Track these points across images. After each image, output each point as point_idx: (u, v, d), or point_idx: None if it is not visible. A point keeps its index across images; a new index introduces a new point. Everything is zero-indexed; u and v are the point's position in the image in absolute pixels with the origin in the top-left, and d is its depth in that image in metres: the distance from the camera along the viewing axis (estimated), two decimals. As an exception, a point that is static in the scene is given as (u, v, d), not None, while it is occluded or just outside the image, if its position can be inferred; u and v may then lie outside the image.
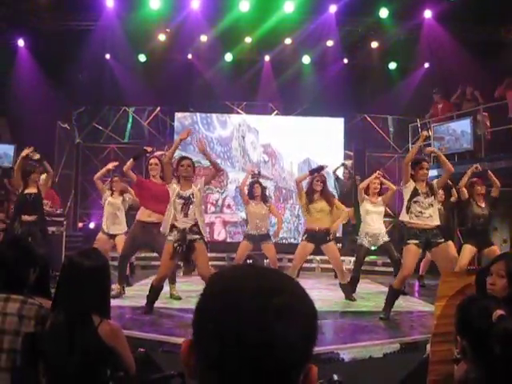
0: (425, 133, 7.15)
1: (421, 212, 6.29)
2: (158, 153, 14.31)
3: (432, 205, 6.35)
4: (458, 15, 11.79)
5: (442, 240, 6.32)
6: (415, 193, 6.35)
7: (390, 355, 4.89)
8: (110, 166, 8.60)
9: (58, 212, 9.80)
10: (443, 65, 13.12)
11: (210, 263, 11.45)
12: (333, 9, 12.51)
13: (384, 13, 12.33)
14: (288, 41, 13.75)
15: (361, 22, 13.27)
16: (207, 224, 13.94)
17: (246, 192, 8.95)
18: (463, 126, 11.49)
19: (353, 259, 11.26)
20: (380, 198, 8.48)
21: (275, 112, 15.08)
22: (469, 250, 7.76)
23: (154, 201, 7.31)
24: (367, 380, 4.63)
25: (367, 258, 9.03)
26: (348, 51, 14.04)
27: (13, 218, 8.37)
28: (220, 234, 14.04)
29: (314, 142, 14.08)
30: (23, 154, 8.20)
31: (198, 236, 6.20)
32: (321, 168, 7.99)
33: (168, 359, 4.36)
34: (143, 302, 6.51)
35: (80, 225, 14.22)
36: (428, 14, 12.45)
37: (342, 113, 14.33)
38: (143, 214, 7.50)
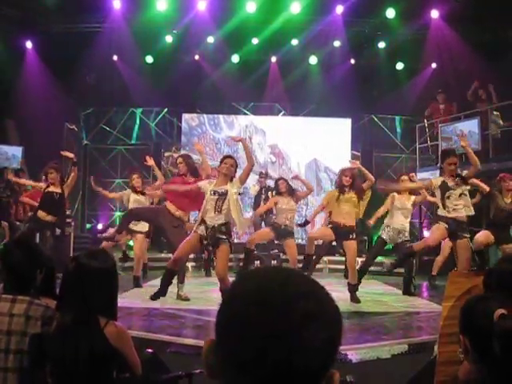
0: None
1: (456, 205, 6.41)
2: (168, 154, 14.40)
3: (464, 194, 6.43)
4: (465, 15, 11.75)
5: (468, 236, 6.44)
6: (445, 188, 6.44)
7: (398, 356, 4.87)
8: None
9: (66, 213, 9.83)
10: (451, 65, 13.08)
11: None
12: (339, 9, 12.50)
13: (391, 13, 12.30)
14: (295, 42, 13.74)
15: (368, 23, 13.25)
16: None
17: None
18: (471, 126, 11.43)
19: (361, 260, 11.27)
20: (412, 198, 8.50)
21: (282, 113, 15.08)
22: (486, 235, 7.66)
23: (181, 197, 7.36)
24: (375, 381, 4.62)
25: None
26: (355, 52, 14.02)
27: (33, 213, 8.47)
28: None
29: (321, 142, 14.07)
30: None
31: (224, 236, 6.22)
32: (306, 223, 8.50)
33: (176, 360, 4.36)
34: (151, 303, 6.52)
35: (88, 226, 14.27)
36: (435, 14, 12.41)
37: (349, 113, 14.32)
38: (171, 207, 7.56)
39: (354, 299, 7.41)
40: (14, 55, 12.52)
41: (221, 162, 6.56)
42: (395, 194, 8.46)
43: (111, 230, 7.90)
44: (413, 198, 8.52)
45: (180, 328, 5.60)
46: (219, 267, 6.24)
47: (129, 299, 7.12)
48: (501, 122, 11.40)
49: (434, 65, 14.04)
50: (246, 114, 14.98)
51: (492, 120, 11.26)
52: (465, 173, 6.72)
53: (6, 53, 12.17)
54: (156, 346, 4.61)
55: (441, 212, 6.60)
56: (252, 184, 12.54)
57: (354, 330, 5.86)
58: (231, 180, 6.47)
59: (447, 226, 6.42)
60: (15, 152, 12.32)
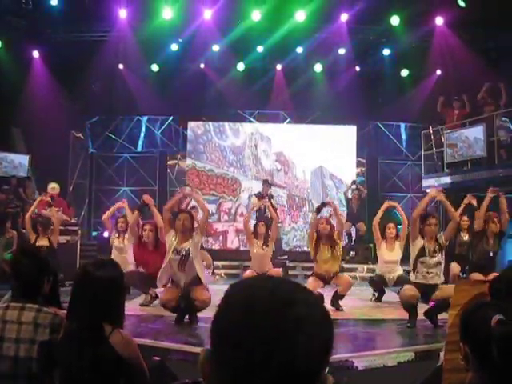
0: (433, 192, 7.09)
1: (427, 272, 6.32)
2: (172, 162, 14.43)
3: (439, 263, 6.36)
4: (469, 22, 11.77)
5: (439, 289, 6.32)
6: (422, 253, 6.32)
7: (404, 364, 4.87)
8: (120, 204, 8.58)
9: (73, 221, 9.88)
10: (455, 72, 13.09)
11: (224, 271, 11.61)
12: (344, 17, 12.54)
13: (395, 20, 12.33)
14: (300, 49, 13.78)
15: (372, 30, 13.28)
16: (220, 232, 14.03)
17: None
18: (476, 132, 11.43)
19: (366, 266, 11.28)
20: (397, 245, 8.29)
21: (287, 120, 15.11)
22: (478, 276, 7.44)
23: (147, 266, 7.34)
24: (381, 388, 4.63)
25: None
26: (360, 59, 14.05)
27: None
28: (233, 243, 14.07)
29: (327, 149, 14.10)
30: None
31: (195, 286, 6.16)
32: (323, 204, 8.08)
33: (182, 367, 4.37)
34: (158, 311, 6.54)
35: (94, 234, 14.31)
36: (439, 20, 12.43)
37: (354, 120, 14.34)
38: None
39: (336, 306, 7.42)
40: (21, 64, 12.61)
41: (174, 218, 6.30)
42: (382, 245, 8.31)
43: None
44: (397, 244, 8.29)
45: (187, 336, 5.61)
46: (199, 296, 6.09)
47: (136, 307, 7.13)
48: (510, 126, 11.39)
49: (438, 71, 14.05)
50: (251, 121, 15.02)
51: (502, 126, 11.24)
52: (442, 236, 6.54)
53: (12, 62, 12.26)
54: (163, 354, 4.63)
55: (412, 277, 6.49)
56: (254, 194, 12.52)
57: (360, 337, 5.86)
58: (191, 235, 6.25)
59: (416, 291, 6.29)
60: (22, 160, 12.39)
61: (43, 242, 8.20)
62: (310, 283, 7.28)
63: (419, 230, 6.43)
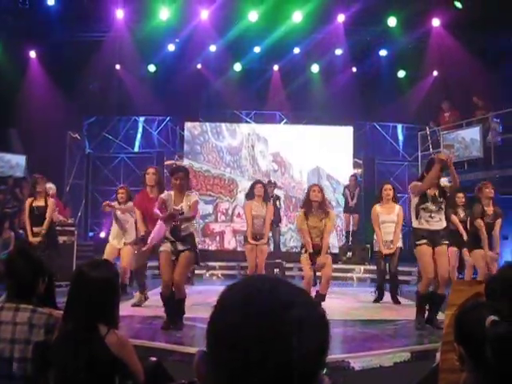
0: (442, 156, 6.78)
1: (430, 217, 6.22)
2: (168, 162, 14.43)
3: (442, 208, 6.29)
4: (465, 23, 11.79)
5: (447, 242, 6.30)
6: (423, 199, 6.24)
7: (401, 364, 4.87)
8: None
9: (69, 222, 9.86)
10: (452, 73, 13.12)
11: (221, 272, 11.61)
12: (341, 18, 12.56)
13: (392, 21, 12.36)
14: (297, 50, 13.80)
15: (369, 31, 13.31)
16: (218, 233, 14.02)
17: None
18: (472, 133, 11.46)
19: (363, 267, 11.28)
20: (397, 207, 8.31)
21: (284, 121, 15.12)
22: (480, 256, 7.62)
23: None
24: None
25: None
26: (357, 60, 14.07)
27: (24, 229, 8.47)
28: (230, 243, 14.07)
29: (324, 150, 14.11)
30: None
31: (188, 246, 6.06)
32: None
33: (179, 368, 4.37)
34: (154, 311, 6.53)
35: (91, 234, 14.30)
36: (436, 22, 12.47)
37: (351, 121, 14.35)
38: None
39: None
40: (18, 64, 12.60)
41: (171, 175, 6.24)
42: (377, 208, 8.27)
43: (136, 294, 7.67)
44: (397, 207, 8.33)
45: (184, 336, 5.61)
46: (177, 272, 5.92)
47: (133, 308, 7.13)
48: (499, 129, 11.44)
49: (435, 72, 14.08)
50: (248, 122, 15.02)
51: (492, 127, 11.29)
52: (445, 185, 6.54)
53: (9, 62, 12.24)
54: (159, 355, 4.63)
55: (413, 223, 6.39)
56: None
57: (357, 337, 5.86)
58: (187, 195, 6.19)
59: (426, 241, 6.16)
60: (19, 160, 12.38)
61: (40, 202, 8.31)
62: (305, 267, 7.18)
63: (422, 176, 6.39)
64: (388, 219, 8.19)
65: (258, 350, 0.85)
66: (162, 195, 6.22)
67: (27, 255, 3.01)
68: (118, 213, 8.44)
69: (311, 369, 0.88)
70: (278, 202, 11.82)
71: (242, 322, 0.87)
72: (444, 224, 6.33)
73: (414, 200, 6.36)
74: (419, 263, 6.43)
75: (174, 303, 5.97)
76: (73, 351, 2.62)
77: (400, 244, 8.36)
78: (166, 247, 6.04)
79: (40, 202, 8.32)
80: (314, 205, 7.21)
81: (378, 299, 8.33)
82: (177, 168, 6.46)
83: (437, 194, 6.29)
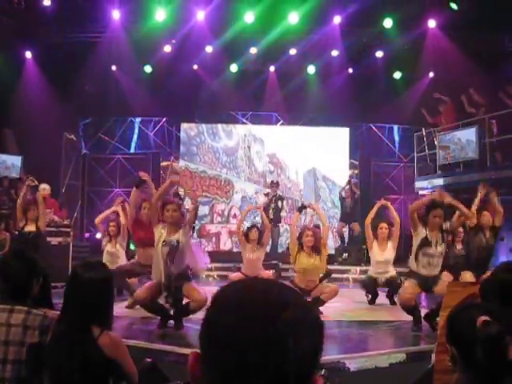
0: (436, 194, 6.69)
1: (429, 263, 6.10)
2: (164, 163, 14.43)
3: (441, 253, 6.17)
4: (461, 24, 11.82)
5: (440, 279, 6.19)
6: (425, 243, 6.09)
7: (396, 365, 4.88)
8: (114, 208, 8.52)
9: (65, 222, 9.85)
10: (448, 74, 13.14)
11: (217, 273, 11.60)
12: (337, 19, 12.57)
13: (388, 23, 12.36)
14: (293, 51, 13.79)
15: (365, 32, 13.32)
16: (214, 234, 14.02)
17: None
18: (468, 134, 11.48)
19: (359, 268, 11.30)
20: (390, 245, 8.21)
21: (280, 122, 15.13)
22: (470, 277, 7.23)
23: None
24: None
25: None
26: (353, 61, 14.07)
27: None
28: (226, 244, 14.07)
29: (320, 151, 14.13)
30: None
31: (185, 281, 5.91)
32: (303, 207, 7.87)
33: (175, 369, 4.37)
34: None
35: (87, 235, 14.27)
36: (432, 23, 12.48)
37: (347, 122, 14.38)
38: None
39: None
40: (14, 65, 12.56)
41: (161, 209, 5.93)
42: (374, 245, 8.25)
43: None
44: (389, 244, 8.22)
45: (180, 337, 5.61)
46: (193, 296, 5.81)
47: (128, 309, 7.11)
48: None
49: (431, 74, 14.11)
50: (244, 123, 15.02)
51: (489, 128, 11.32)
52: (448, 225, 6.39)
53: (5, 63, 12.20)
54: (155, 356, 4.63)
55: (411, 263, 6.29)
56: (264, 193, 12.61)
57: (353, 338, 5.87)
58: (180, 226, 5.98)
59: (417, 282, 6.11)
60: (14, 161, 12.34)
61: (31, 227, 8.18)
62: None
63: (421, 219, 6.21)
64: (381, 258, 8.18)
65: (252, 352, 0.85)
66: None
67: (22, 256, 3.00)
68: (108, 247, 8.35)
69: (306, 370, 0.88)
70: (279, 203, 11.83)
71: (236, 323, 0.87)
72: (439, 268, 6.24)
73: (416, 240, 6.22)
74: (401, 289, 6.39)
75: (183, 305, 5.94)
76: (66, 352, 2.62)
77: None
78: (157, 279, 5.91)
79: (31, 227, 8.19)
80: (305, 246, 7.13)
81: (373, 300, 8.31)
82: (168, 200, 6.25)
83: (439, 239, 6.14)
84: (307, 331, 0.89)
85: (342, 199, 13.09)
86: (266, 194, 12.30)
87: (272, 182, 12.34)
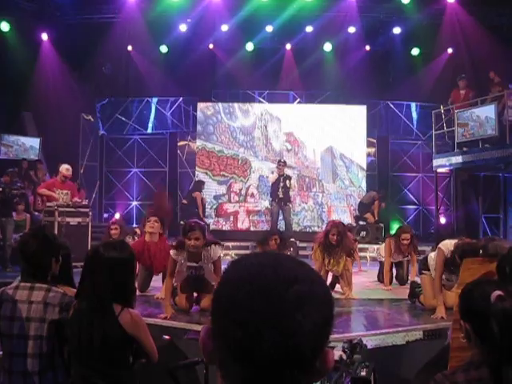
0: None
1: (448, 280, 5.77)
2: (181, 143, 14.46)
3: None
4: (481, -1, 11.63)
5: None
6: (450, 271, 5.68)
7: (413, 342, 4.89)
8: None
9: (84, 203, 9.92)
10: (467, 50, 12.94)
11: (234, 252, 11.66)
12: (354, -5, 12.43)
13: (406, -2, 12.20)
14: (309, 28, 13.68)
15: (382, 8, 13.15)
16: (231, 213, 14.06)
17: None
18: (487, 111, 11.31)
19: (377, 247, 11.25)
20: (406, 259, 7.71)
21: (297, 100, 15.04)
22: None
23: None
24: (390, 367, 4.65)
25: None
26: (370, 38, 13.92)
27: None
28: (244, 223, 14.11)
29: (337, 129, 14.05)
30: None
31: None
32: None
33: (192, 346, 4.42)
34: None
35: (105, 215, 14.40)
36: (451, -2, 12.28)
37: (364, 100, 14.24)
38: None
39: None
40: (30, 47, 12.62)
41: (183, 235, 5.40)
42: (392, 244, 7.66)
43: None
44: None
45: (196, 315, 5.66)
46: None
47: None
48: None
49: (450, 50, 13.90)
50: (261, 101, 14.96)
51: (509, 105, 11.13)
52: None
53: (21, 45, 12.27)
54: (173, 333, 4.68)
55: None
56: (270, 172, 12.59)
57: (370, 316, 5.88)
58: (202, 252, 5.46)
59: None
60: (33, 143, 12.47)
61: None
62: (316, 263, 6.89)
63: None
64: (400, 258, 7.77)
65: (262, 326, 0.85)
66: (172, 253, 5.45)
67: (40, 236, 3.05)
68: None
69: (316, 343, 0.89)
70: (287, 182, 11.85)
71: (246, 297, 0.87)
72: None
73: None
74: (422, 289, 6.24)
75: None
76: (88, 329, 2.68)
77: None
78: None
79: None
80: (331, 245, 6.82)
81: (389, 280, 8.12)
82: (191, 226, 5.42)
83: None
84: (317, 305, 0.89)
85: (362, 206, 12.84)
86: (272, 172, 12.30)
87: (279, 161, 12.31)
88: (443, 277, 5.73)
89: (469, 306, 2.11)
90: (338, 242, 6.77)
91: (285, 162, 12.37)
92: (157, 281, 7.11)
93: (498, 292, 2.00)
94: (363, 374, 2.02)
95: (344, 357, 2.07)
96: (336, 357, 1.98)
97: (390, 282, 7.75)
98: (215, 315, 0.92)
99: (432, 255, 5.99)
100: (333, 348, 2.01)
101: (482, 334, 2.02)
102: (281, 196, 11.66)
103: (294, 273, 0.91)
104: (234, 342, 0.87)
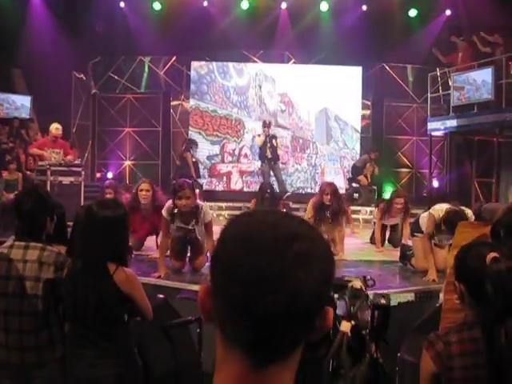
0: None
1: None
2: (174, 102, 14.33)
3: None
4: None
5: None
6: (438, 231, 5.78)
7: (405, 304, 4.95)
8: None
9: (76, 162, 9.86)
10: (465, 11, 12.77)
11: (227, 212, 11.70)
12: (352, -47, 12.17)
13: (404, -43, 11.96)
14: (305, -13, 13.44)
15: (381, -33, 12.91)
16: (224, 173, 14.05)
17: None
18: (484, 75, 11.23)
19: (369, 209, 11.30)
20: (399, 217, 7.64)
21: (292, 61, 14.86)
22: None
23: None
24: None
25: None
26: (367, -2, 13.71)
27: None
28: (237, 184, 14.11)
29: (332, 91, 13.94)
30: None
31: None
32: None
33: (185, 305, 4.46)
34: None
35: (98, 175, 14.34)
36: (450, -44, 12.06)
37: (360, 61, 14.09)
38: None
39: None
40: (20, 3, 12.33)
41: (174, 195, 5.39)
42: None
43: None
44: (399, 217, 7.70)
45: (189, 274, 5.69)
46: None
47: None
48: None
49: (448, 12, 13.72)
50: (255, 61, 14.77)
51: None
52: None
53: (10, 0, 11.98)
54: (166, 292, 4.72)
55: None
56: (257, 134, 12.53)
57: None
58: (196, 215, 5.47)
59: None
60: (24, 102, 12.28)
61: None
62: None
63: None
64: (392, 222, 7.78)
65: (262, 284, 0.84)
66: (164, 213, 5.48)
67: (35, 195, 3.03)
68: None
69: (317, 302, 0.88)
70: (274, 141, 11.92)
71: (245, 255, 0.86)
72: None
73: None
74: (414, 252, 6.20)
75: None
76: (83, 288, 2.69)
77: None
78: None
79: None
80: (325, 206, 6.79)
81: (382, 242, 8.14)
82: (180, 185, 5.43)
83: None
84: (318, 263, 0.88)
85: (355, 168, 12.82)
86: (259, 135, 12.28)
87: (264, 121, 12.33)
88: (435, 238, 5.79)
89: (464, 268, 2.13)
90: (331, 201, 6.78)
91: (270, 123, 12.38)
92: (151, 240, 7.15)
93: (493, 254, 2.02)
94: (383, 301, 2.16)
95: (363, 287, 2.19)
96: (357, 286, 2.16)
97: (382, 244, 7.81)
98: (215, 273, 0.91)
99: (424, 215, 6.02)
100: (350, 281, 2.16)
101: (476, 295, 2.04)
102: (269, 156, 11.76)
103: (295, 230, 0.90)
104: (234, 299, 0.86)
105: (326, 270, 0.90)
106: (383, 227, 7.85)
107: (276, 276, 0.85)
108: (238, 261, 0.87)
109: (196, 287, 4.90)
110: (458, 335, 2.02)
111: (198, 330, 3.43)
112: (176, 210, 5.37)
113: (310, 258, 0.87)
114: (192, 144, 12.88)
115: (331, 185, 7.12)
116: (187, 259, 5.86)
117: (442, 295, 3.75)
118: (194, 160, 12.63)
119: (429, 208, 6.19)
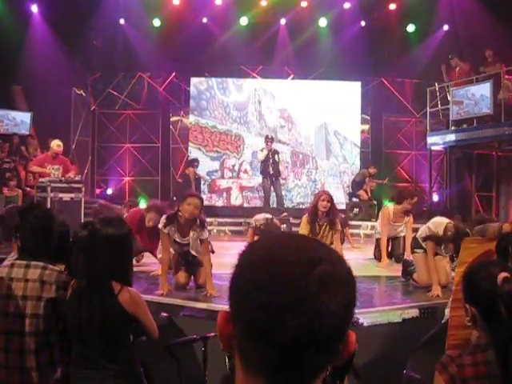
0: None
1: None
2: (174, 118, 14.34)
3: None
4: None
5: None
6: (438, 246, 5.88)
7: (409, 320, 4.91)
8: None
9: (76, 178, 9.84)
10: (463, 27, 12.84)
11: (227, 228, 11.68)
12: (350, -30, 12.27)
13: (402, -27, 12.06)
14: (304, 3, 13.54)
15: (378, -17, 13.01)
16: (224, 189, 14.04)
17: None
18: (483, 89, 11.27)
19: (370, 224, 11.28)
20: (406, 219, 7.56)
21: (291, 76, 14.92)
22: None
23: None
24: (386, 344, 4.67)
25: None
26: (365, 13, 13.80)
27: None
28: (237, 199, 14.09)
29: (331, 106, 13.98)
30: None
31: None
32: None
33: (189, 323, 4.42)
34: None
35: (97, 191, 14.33)
36: (448, -27, 12.16)
37: (359, 76, 14.14)
38: None
39: None
40: (20, 19, 12.38)
41: (183, 201, 5.22)
42: (390, 209, 7.68)
43: None
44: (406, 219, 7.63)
45: (192, 291, 5.65)
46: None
47: (141, 265, 7.17)
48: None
49: (446, 27, 13.81)
50: (254, 77, 14.83)
51: (504, 84, 11.10)
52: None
53: (11, 17, 12.03)
54: (169, 310, 4.68)
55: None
56: (260, 149, 12.53)
57: (365, 293, 5.89)
58: (194, 226, 5.31)
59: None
60: (24, 118, 12.31)
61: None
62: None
63: None
64: (399, 224, 7.68)
65: (286, 308, 0.83)
66: (161, 226, 5.29)
67: (35, 214, 3.00)
68: None
69: (340, 325, 0.86)
70: (276, 156, 11.90)
71: (267, 279, 0.84)
72: None
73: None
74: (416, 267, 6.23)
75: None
76: (87, 310, 2.65)
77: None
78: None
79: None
80: (320, 214, 6.73)
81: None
82: (193, 193, 5.45)
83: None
84: (341, 286, 0.87)
85: (354, 183, 12.83)
86: (262, 149, 12.28)
87: (267, 136, 12.34)
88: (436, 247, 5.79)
89: (475, 290, 2.09)
90: (327, 208, 6.68)
91: (272, 138, 12.38)
92: (149, 257, 7.12)
93: (504, 274, 1.99)
94: None
95: None
96: None
97: (388, 256, 7.77)
98: (234, 298, 0.89)
99: (424, 229, 6.00)
100: None
101: (489, 316, 2.01)
102: (271, 172, 11.73)
103: (316, 254, 0.88)
104: (255, 324, 0.84)
105: (349, 293, 0.89)
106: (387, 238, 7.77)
107: (299, 300, 0.83)
108: (259, 285, 0.85)
109: (199, 304, 4.86)
110: (472, 358, 1.98)
111: (203, 349, 3.39)
112: (177, 217, 5.26)
113: (333, 281, 0.86)
114: (195, 161, 12.98)
115: (327, 192, 7.08)
116: (191, 276, 5.80)
117: (447, 311, 3.72)
118: (196, 177, 12.65)
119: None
